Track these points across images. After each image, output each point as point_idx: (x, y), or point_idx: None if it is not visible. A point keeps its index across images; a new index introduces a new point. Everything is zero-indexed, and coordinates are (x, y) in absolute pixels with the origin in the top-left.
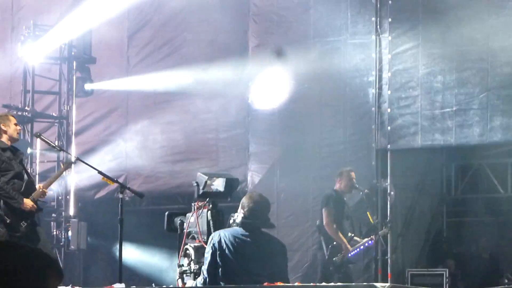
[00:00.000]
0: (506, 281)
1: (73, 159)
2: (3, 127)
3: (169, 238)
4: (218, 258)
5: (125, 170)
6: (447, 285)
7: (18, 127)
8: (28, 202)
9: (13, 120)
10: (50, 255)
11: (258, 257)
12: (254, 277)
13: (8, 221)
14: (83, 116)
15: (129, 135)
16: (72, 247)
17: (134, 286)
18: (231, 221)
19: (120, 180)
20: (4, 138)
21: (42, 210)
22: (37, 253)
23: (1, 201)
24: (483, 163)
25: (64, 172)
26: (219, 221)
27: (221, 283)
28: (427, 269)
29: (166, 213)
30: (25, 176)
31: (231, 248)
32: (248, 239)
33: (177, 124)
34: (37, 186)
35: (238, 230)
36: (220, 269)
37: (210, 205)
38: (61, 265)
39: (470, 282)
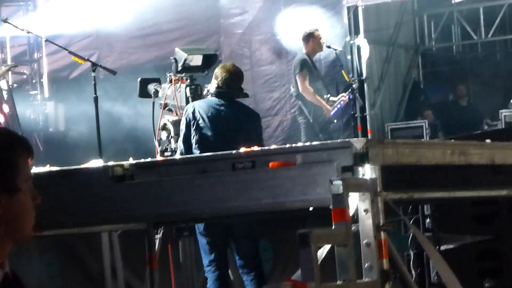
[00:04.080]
0: (486, 127)
1: (43, 41)
2: None
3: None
4: (192, 129)
5: (97, 48)
6: (427, 136)
7: None
8: None
9: None
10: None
11: (233, 126)
12: (229, 145)
13: None
14: None
15: (97, 12)
16: (50, 129)
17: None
18: (205, 92)
19: (93, 59)
20: None
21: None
22: (3, 131)
23: None
24: (454, 10)
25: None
26: (197, 95)
27: (196, 152)
28: (406, 122)
29: (139, 79)
30: None
31: (205, 118)
32: (222, 108)
33: None
34: None
35: (212, 100)
36: (195, 140)
37: (188, 80)
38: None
39: (450, 130)
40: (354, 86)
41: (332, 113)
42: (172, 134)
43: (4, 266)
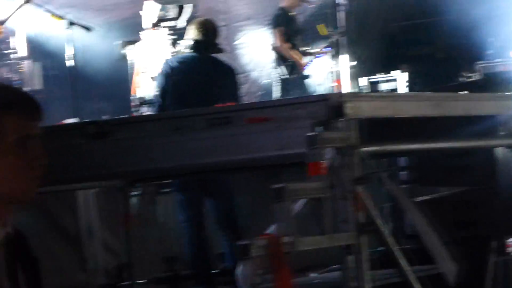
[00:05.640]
0: (464, 79)
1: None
2: None
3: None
4: (167, 84)
5: (74, 5)
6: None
7: None
8: None
9: None
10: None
11: (207, 80)
12: (204, 99)
13: None
14: None
15: None
16: (28, 87)
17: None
18: (180, 47)
19: (69, 16)
20: None
21: None
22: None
23: None
24: None
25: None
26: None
27: (173, 108)
28: (385, 75)
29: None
30: None
31: (180, 72)
32: (197, 63)
33: None
34: None
35: (188, 55)
36: (170, 95)
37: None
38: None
39: (428, 83)
40: (331, 40)
41: (305, 67)
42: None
43: (6, 224)
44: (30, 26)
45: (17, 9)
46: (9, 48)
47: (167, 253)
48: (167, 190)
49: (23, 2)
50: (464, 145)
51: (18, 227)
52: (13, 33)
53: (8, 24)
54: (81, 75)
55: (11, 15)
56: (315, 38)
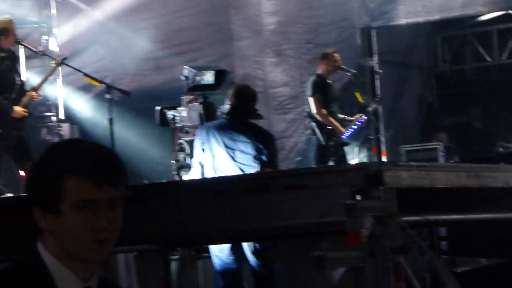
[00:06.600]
0: (501, 149)
1: (60, 59)
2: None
3: (161, 135)
4: (206, 149)
5: (111, 70)
6: (442, 158)
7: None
8: (18, 110)
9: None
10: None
11: (246, 147)
12: (243, 167)
13: None
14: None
15: (111, 35)
16: None
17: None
18: (219, 113)
19: (107, 81)
20: (4, 44)
21: (32, 115)
22: (59, 149)
23: None
24: (468, 32)
25: (53, 73)
26: (211, 113)
27: (212, 174)
28: (421, 144)
29: (158, 108)
30: (17, 80)
31: (218, 139)
32: (236, 129)
33: (159, 20)
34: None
35: (225, 121)
36: (208, 160)
37: (201, 99)
38: None
39: (465, 153)
40: (369, 108)
41: (345, 135)
42: (188, 152)
43: (89, 280)
44: (68, 89)
45: (51, 73)
46: (49, 111)
47: None
48: (206, 254)
49: (55, 66)
50: (504, 217)
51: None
52: (51, 97)
53: (45, 88)
54: (119, 139)
55: (45, 79)
56: (352, 105)
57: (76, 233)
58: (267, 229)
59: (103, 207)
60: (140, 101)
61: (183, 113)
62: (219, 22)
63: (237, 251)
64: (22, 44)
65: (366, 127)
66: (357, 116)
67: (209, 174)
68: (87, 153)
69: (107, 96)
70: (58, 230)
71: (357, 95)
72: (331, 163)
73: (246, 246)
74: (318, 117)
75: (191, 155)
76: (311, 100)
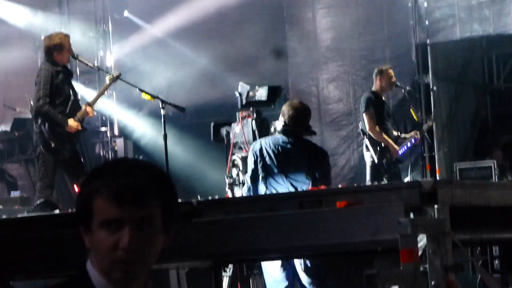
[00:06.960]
0: None
1: (115, 74)
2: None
3: (215, 150)
4: (259, 166)
5: (166, 86)
6: (496, 176)
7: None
8: (73, 124)
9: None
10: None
11: (299, 164)
12: (296, 183)
13: (52, 145)
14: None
15: (167, 51)
16: None
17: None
18: (272, 129)
19: (161, 96)
20: (58, 58)
21: (86, 130)
22: (94, 171)
23: (46, 124)
24: None
25: (108, 88)
26: (264, 129)
27: (264, 190)
28: (475, 162)
29: (212, 124)
30: (71, 95)
31: (272, 155)
32: (289, 146)
33: (215, 37)
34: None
35: (279, 137)
36: (261, 176)
37: (255, 114)
38: None
39: None
40: (424, 126)
41: (400, 153)
42: (241, 168)
43: None
44: (123, 105)
45: (106, 88)
46: (103, 126)
47: None
48: (258, 271)
49: (110, 81)
50: None
51: None
52: (105, 112)
53: (100, 103)
54: (172, 154)
55: (100, 95)
56: (407, 122)
57: (102, 251)
58: (320, 246)
59: (130, 226)
60: (194, 117)
61: (237, 129)
62: (275, 38)
63: (288, 268)
64: (77, 59)
65: (420, 144)
66: (411, 133)
67: (262, 190)
68: (115, 174)
69: (162, 111)
70: (92, 249)
71: (412, 112)
72: (384, 181)
73: (298, 264)
74: (372, 134)
75: (244, 171)
76: (364, 117)
